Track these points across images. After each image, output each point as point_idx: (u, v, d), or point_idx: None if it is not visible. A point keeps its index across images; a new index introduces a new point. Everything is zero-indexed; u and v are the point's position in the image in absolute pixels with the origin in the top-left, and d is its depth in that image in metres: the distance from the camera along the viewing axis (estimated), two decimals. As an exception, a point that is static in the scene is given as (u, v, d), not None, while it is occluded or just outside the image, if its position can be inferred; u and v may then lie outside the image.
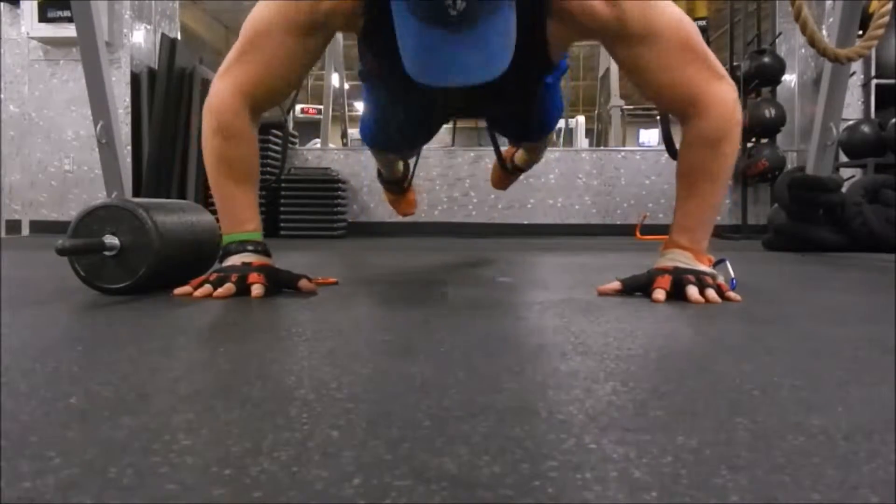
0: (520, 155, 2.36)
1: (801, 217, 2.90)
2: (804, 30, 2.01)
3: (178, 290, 1.22)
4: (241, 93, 1.26)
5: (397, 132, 1.83)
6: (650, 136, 13.81)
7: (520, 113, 1.78)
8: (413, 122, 1.76)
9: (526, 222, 4.97)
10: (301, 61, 1.28)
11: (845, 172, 4.05)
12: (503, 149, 2.40)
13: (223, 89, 1.26)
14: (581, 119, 10.34)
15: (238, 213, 1.30)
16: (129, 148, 4.15)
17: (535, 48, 1.21)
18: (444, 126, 2.09)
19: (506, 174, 2.50)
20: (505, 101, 1.54)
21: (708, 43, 5.91)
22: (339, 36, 7.07)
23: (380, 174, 2.42)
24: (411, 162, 2.45)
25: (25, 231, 4.38)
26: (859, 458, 0.41)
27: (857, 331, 0.92)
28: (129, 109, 4.34)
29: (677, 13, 1.22)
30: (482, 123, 2.07)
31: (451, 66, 0.98)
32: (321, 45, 1.29)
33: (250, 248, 1.27)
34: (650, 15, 1.17)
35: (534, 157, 2.36)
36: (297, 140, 5.44)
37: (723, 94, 1.21)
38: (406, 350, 0.75)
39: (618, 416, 0.50)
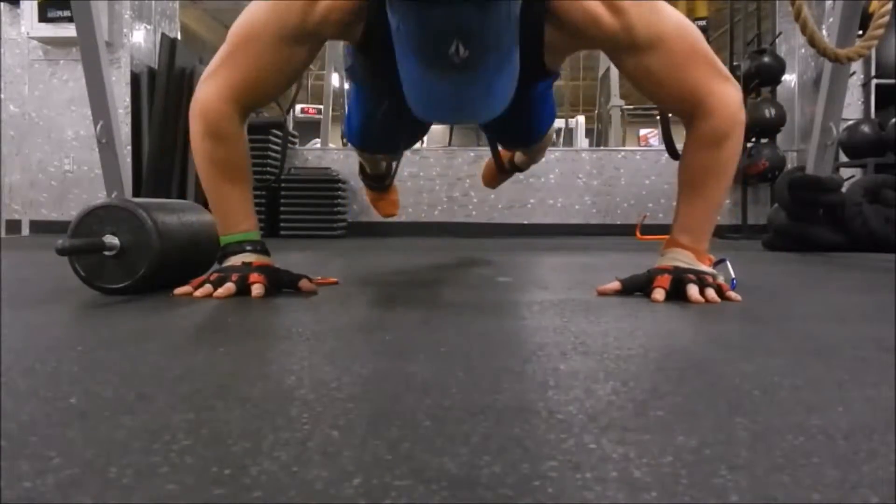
0: (519, 155, 2.35)
1: (801, 217, 2.90)
2: (804, 30, 2.01)
3: (179, 290, 1.22)
4: (229, 96, 1.24)
5: (384, 134, 1.80)
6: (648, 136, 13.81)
7: (511, 119, 1.78)
8: (401, 125, 1.74)
9: (526, 222, 4.97)
10: (290, 67, 1.26)
11: (845, 172, 4.05)
12: (502, 149, 2.39)
13: (210, 92, 1.24)
14: (581, 119, 10.34)
15: (234, 213, 1.29)
16: (129, 148, 4.15)
17: (530, 56, 1.19)
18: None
19: (501, 174, 2.48)
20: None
21: (708, 43, 5.87)
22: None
23: (362, 170, 2.36)
24: (395, 162, 2.42)
25: (25, 231, 4.39)
26: (859, 458, 0.41)
27: (857, 331, 0.92)
28: (129, 109, 4.34)
29: (680, 18, 1.21)
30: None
31: (455, 108, 0.97)
32: (312, 53, 1.26)
33: (249, 247, 1.27)
34: (655, 22, 1.16)
35: (535, 157, 2.35)
36: (297, 140, 5.44)
37: (728, 95, 1.21)
38: (406, 350, 0.75)
39: (618, 416, 0.50)
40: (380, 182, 2.41)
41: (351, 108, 1.81)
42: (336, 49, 6.04)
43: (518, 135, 1.95)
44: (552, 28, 1.19)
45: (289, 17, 1.18)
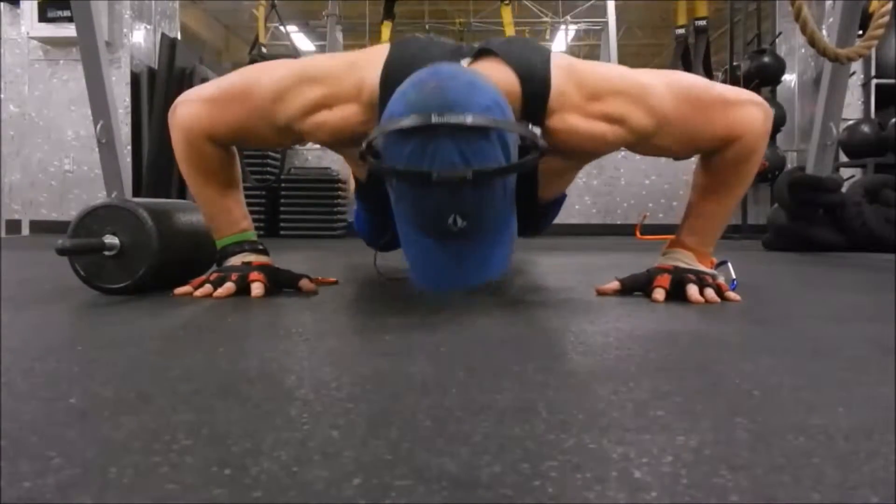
0: None
1: (801, 217, 2.90)
2: (804, 30, 2.01)
3: (179, 290, 1.22)
4: (205, 131, 1.21)
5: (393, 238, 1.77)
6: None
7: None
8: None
9: (526, 222, 4.96)
10: (267, 141, 1.24)
11: (845, 172, 4.05)
12: None
13: (194, 118, 1.21)
14: (581, 119, 10.32)
15: (228, 215, 1.28)
16: (129, 148, 4.15)
17: (525, 199, 1.14)
18: None
19: None
20: None
21: (708, 43, 5.84)
22: (340, 36, 7.07)
23: None
24: None
25: (25, 231, 4.38)
26: (859, 458, 0.41)
27: (857, 331, 0.92)
28: (129, 109, 4.34)
29: (670, 82, 1.16)
30: None
31: (453, 276, 0.96)
32: (297, 142, 1.24)
33: (248, 247, 1.27)
34: (653, 107, 1.11)
35: None
36: (296, 140, 5.43)
37: (750, 119, 1.18)
38: (406, 350, 0.75)
39: (618, 416, 0.50)
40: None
41: (358, 215, 1.74)
42: (336, 49, 6.04)
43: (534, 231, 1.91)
44: (557, 161, 1.15)
45: (286, 107, 1.13)
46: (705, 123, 1.16)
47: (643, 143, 1.15)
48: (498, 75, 1.04)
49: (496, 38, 1.21)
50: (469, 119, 0.87)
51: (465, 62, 1.07)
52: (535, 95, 1.07)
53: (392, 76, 1.03)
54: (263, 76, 1.17)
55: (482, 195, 0.91)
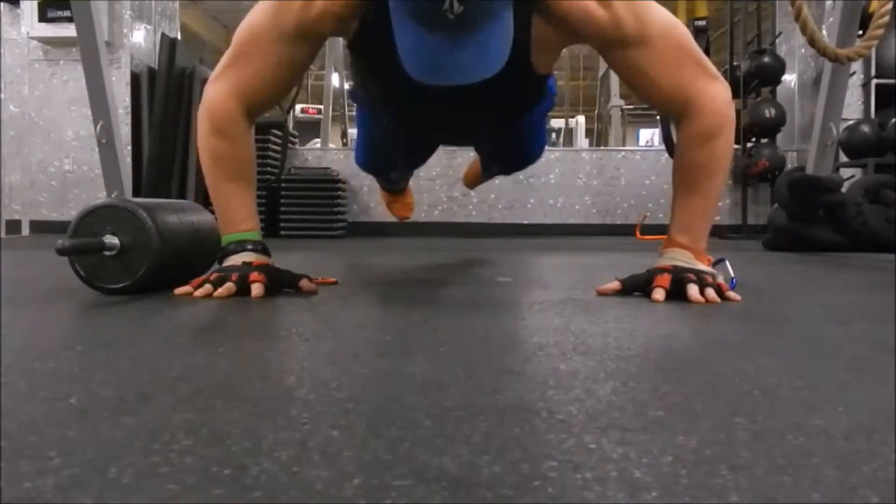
0: None
1: (801, 217, 2.90)
2: (804, 30, 2.01)
3: (179, 290, 1.22)
4: (236, 97, 1.27)
5: (388, 154, 1.85)
6: (649, 136, 13.80)
7: (504, 143, 1.79)
8: (404, 143, 1.78)
9: (526, 222, 4.97)
10: (292, 66, 1.28)
11: (845, 172, 4.05)
12: None
13: (218, 92, 1.27)
14: (581, 119, 10.33)
15: (236, 212, 1.30)
16: (129, 148, 4.15)
17: (518, 52, 1.17)
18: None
19: (485, 176, 2.53)
20: (492, 124, 1.55)
21: (708, 43, 5.85)
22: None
23: None
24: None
25: (25, 231, 4.38)
26: (859, 458, 0.41)
27: (857, 331, 0.92)
28: (129, 109, 4.33)
29: (669, 17, 1.23)
30: None
31: (449, 67, 0.99)
32: (313, 51, 1.29)
33: (249, 247, 1.27)
34: (644, 18, 1.18)
35: None
36: (297, 140, 5.44)
37: (716, 93, 1.23)
38: (406, 350, 0.75)
39: (618, 416, 0.50)
40: (394, 185, 2.44)
41: (358, 136, 1.85)
42: (336, 49, 6.04)
43: (511, 160, 1.99)
44: (541, 22, 1.21)
45: (288, 17, 1.21)
46: (676, 69, 1.21)
47: (617, 47, 1.20)
48: None
49: None
50: None
51: None
52: None
53: None
54: (254, 14, 1.25)
55: None
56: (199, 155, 1.32)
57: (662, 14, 1.22)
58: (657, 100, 1.28)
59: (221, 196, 1.31)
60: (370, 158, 1.93)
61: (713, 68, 1.26)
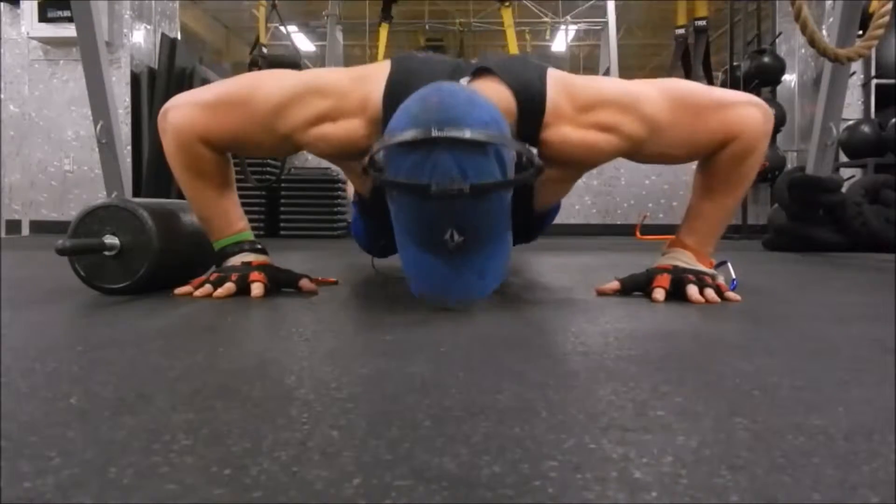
0: None
1: (801, 217, 2.90)
2: (804, 30, 2.01)
3: (179, 290, 1.22)
4: (201, 139, 1.20)
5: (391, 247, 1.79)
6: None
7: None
8: None
9: (526, 222, 4.96)
10: (270, 151, 1.25)
11: (845, 172, 4.05)
12: None
13: (187, 123, 1.20)
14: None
15: (225, 216, 1.28)
16: (129, 148, 4.16)
17: (521, 212, 1.16)
18: None
19: None
20: None
21: (708, 43, 5.86)
22: (340, 36, 7.07)
23: None
24: None
25: (25, 231, 4.38)
26: (859, 458, 0.41)
27: (857, 331, 0.92)
28: (129, 109, 4.34)
29: (661, 89, 1.17)
30: None
31: (450, 289, 0.99)
32: (299, 150, 1.24)
33: (247, 247, 1.27)
34: (646, 114, 1.14)
35: None
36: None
37: (746, 118, 1.19)
38: (406, 350, 0.75)
39: (618, 416, 0.50)
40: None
41: (356, 221, 1.75)
42: (336, 49, 6.05)
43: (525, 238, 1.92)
44: (554, 171, 1.15)
45: (292, 119, 1.14)
46: (701, 126, 1.18)
47: (638, 149, 1.17)
48: (495, 94, 1.07)
49: (493, 54, 1.25)
50: (468, 133, 0.90)
51: (464, 81, 1.10)
52: (530, 112, 1.10)
53: (395, 91, 1.07)
54: (266, 84, 1.17)
55: (479, 209, 0.94)
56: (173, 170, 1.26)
57: (654, 93, 1.16)
58: (702, 155, 1.24)
59: (205, 205, 1.27)
60: (376, 242, 1.80)
61: (726, 95, 1.22)
